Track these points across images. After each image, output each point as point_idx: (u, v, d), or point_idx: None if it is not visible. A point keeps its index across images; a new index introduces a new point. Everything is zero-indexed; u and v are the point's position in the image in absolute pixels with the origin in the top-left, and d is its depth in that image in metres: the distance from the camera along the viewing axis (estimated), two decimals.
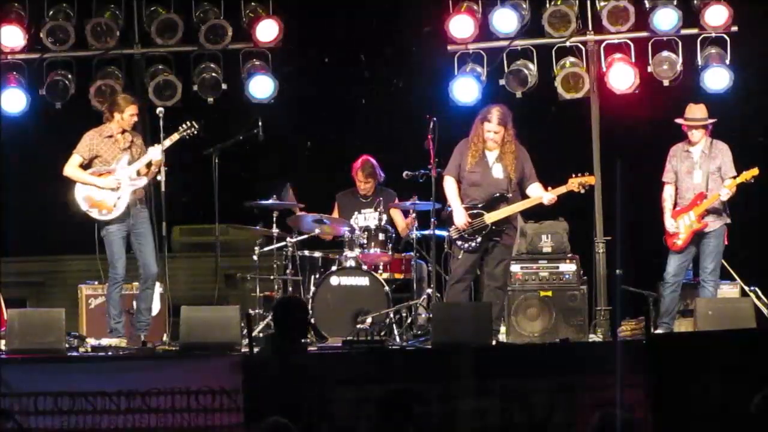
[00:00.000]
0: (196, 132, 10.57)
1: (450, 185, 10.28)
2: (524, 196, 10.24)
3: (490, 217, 10.11)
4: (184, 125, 10.54)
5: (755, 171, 10.38)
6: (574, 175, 10.19)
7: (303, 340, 8.29)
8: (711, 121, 10.56)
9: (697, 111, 10.60)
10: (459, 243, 10.17)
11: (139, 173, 10.42)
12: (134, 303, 10.66)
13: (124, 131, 10.41)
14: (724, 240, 10.56)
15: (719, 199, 10.41)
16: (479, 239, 10.12)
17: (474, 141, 10.20)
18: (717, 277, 10.58)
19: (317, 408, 7.51)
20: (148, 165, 10.39)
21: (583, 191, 10.24)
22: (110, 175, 10.38)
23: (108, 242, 10.37)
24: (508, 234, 10.21)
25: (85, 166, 10.43)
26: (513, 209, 10.18)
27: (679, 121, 10.62)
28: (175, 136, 10.46)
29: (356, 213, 11.48)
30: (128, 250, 10.48)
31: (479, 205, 10.16)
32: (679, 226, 10.52)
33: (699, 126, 10.55)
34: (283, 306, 8.05)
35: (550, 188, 10.21)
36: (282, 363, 7.59)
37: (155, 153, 10.36)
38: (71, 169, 10.42)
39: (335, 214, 11.63)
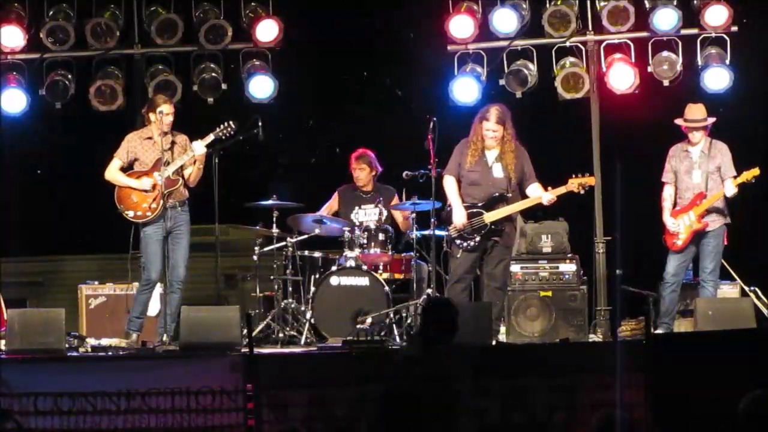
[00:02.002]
0: (233, 132, 10.56)
1: (450, 184, 10.28)
2: (524, 196, 10.23)
3: (489, 217, 10.11)
4: (221, 125, 10.53)
5: (756, 171, 10.38)
6: (574, 176, 10.19)
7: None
8: (711, 121, 10.56)
9: (696, 111, 10.60)
10: (458, 242, 10.17)
11: (183, 174, 10.39)
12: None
13: (165, 133, 10.38)
14: (723, 240, 10.56)
15: (723, 196, 10.41)
16: (478, 238, 10.12)
17: (473, 140, 10.20)
18: (717, 277, 10.58)
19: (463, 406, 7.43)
20: (193, 162, 10.39)
21: (582, 192, 10.24)
22: (146, 177, 10.39)
23: (144, 244, 10.38)
24: (507, 234, 10.21)
25: (126, 168, 10.44)
26: (512, 209, 10.18)
27: (679, 122, 10.62)
28: (210, 137, 10.46)
29: (356, 208, 11.49)
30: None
31: (478, 205, 10.16)
32: (679, 226, 10.52)
33: (699, 127, 10.56)
34: (434, 306, 7.90)
35: (549, 188, 10.21)
36: (432, 361, 7.49)
37: (198, 148, 10.37)
38: (109, 172, 10.45)
39: (334, 205, 11.64)
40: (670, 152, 10.71)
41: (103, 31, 11.70)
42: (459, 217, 10.14)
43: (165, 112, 10.31)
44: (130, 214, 10.39)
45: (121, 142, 10.50)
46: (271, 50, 11.80)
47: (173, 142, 10.43)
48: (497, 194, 10.15)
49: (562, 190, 10.18)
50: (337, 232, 11.36)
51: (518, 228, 10.72)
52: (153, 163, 10.40)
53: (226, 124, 10.54)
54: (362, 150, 11.67)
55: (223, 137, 10.54)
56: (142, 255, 10.40)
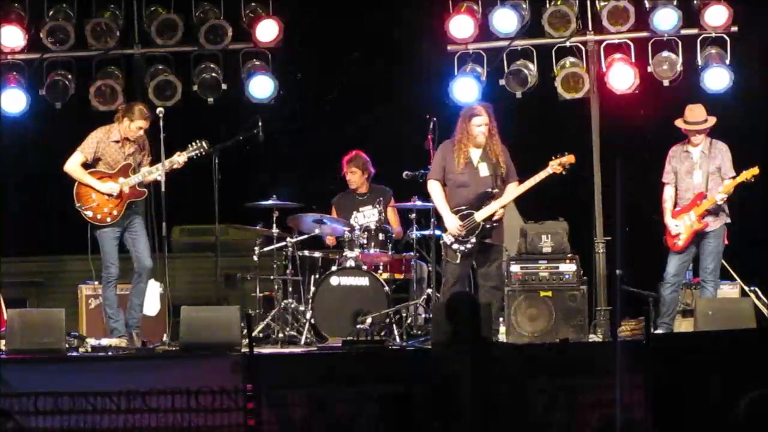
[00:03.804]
0: (204, 152, 10.55)
1: (436, 190, 10.25)
2: None
3: (480, 215, 10.11)
4: (192, 144, 10.51)
5: (755, 170, 10.39)
6: (553, 157, 10.20)
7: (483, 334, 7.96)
8: (712, 122, 10.55)
9: (697, 113, 10.58)
10: (455, 246, 10.14)
11: (145, 184, 10.39)
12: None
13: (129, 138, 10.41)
14: (723, 240, 10.56)
15: (715, 202, 10.42)
16: (474, 240, 10.11)
17: (462, 141, 10.17)
18: (717, 277, 10.59)
19: (512, 401, 7.34)
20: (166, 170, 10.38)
21: (564, 172, 10.21)
22: (111, 181, 10.37)
23: (101, 243, 10.37)
24: (498, 233, 10.21)
25: (88, 165, 10.43)
26: (500, 203, 10.14)
27: (680, 125, 10.60)
28: (184, 155, 10.44)
29: (355, 212, 11.51)
30: (123, 249, 10.48)
31: (464, 208, 10.14)
32: (679, 226, 10.53)
33: (701, 130, 10.56)
34: (456, 302, 7.82)
35: (554, 165, 10.15)
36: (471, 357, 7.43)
37: (180, 161, 10.37)
38: (72, 166, 10.40)
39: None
40: (670, 152, 10.71)
41: (103, 31, 11.69)
42: (451, 224, 10.11)
43: (141, 127, 10.33)
44: (89, 214, 10.36)
45: (86, 136, 10.44)
46: (271, 50, 11.80)
47: (138, 147, 10.44)
48: (483, 192, 10.14)
49: (543, 174, 10.18)
50: (338, 232, 11.37)
51: (504, 225, 10.69)
52: (119, 168, 10.37)
53: (198, 143, 10.52)
54: (355, 152, 11.66)
55: (195, 157, 10.54)
56: (101, 253, 10.36)
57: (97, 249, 10.40)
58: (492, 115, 10.19)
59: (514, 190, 10.18)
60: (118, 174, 10.38)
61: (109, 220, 10.34)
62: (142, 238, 10.38)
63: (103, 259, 10.37)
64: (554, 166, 10.16)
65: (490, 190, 10.13)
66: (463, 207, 10.12)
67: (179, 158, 10.38)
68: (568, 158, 10.18)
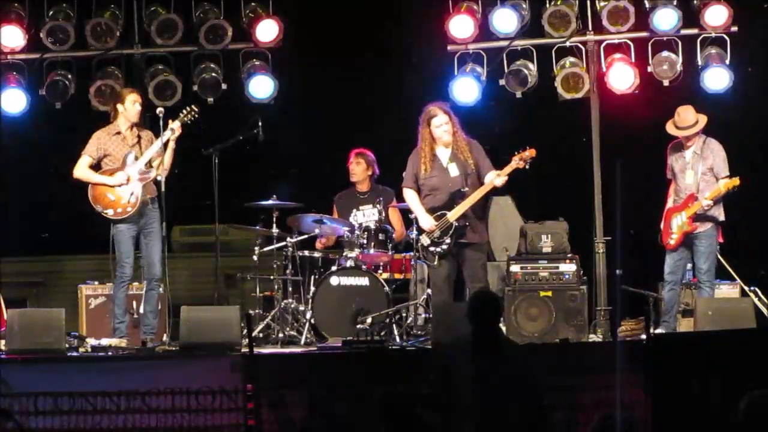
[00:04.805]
0: (197, 115, 10.58)
1: (411, 196, 10.37)
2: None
3: (452, 215, 10.14)
4: (184, 110, 10.55)
5: (736, 181, 10.40)
6: (516, 153, 10.22)
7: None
8: (703, 124, 10.53)
9: (685, 116, 10.54)
10: (432, 249, 10.19)
11: (151, 165, 10.43)
12: (134, 304, 10.67)
13: (132, 126, 10.42)
14: (716, 239, 10.54)
15: (702, 207, 10.42)
16: (449, 240, 10.14)
17: (422, 147, 10.28)
18: (712, 277, 10.58)
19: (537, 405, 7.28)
20: (162, 152, 10.37)
21: (527, 167, 10.24)
22: (120, 172, 10.39)
23: (117, 241, 10.38)
24: (476, 231, 10.23)
25: (96, 166, 10.45)
26: (470, 200, 10.17)
27: (672, 132, 10.59)
28: (177, 122, 10.46)
29: (354, 210, 11.52)
30: (137, 248, 10.50)
31: (440, 209, 10.18)
32: (672, 226, 10.54)
33: (692, 135, 10.56)
34: (479, 300, 7.61)
35: (515, 160, 10.16)
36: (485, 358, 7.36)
37: (175, 125, 10.38)
38: (81, 170, 10.44)
39: (333, 216, 11.65)
40: (668, 149, 10.72)
41: (103, 31, 11.69)
42: (426, 221, 10.18)
43: (135, 101, 10.38)
44: (110, 212, 10.38)
45: (88, 139, 10.49)
46: (271, 50, 11.80)
47: (139, 136, 10.48)
48: (455, 191, 10.17)
49: (508, 169, 10.22)
50: (338, 232, 11.38)
51: (488, 222, 10.71)
52: (124, 159, 10.40)
53: (189, 108, 10.57)
54: (364, 149, 11.71)
55: (189, 122, 10.55)
56: (116, 252, 10.39)
57: (113, 248, 10.41)
58: (450, 113, 10.26)
59: (482, 187, 10.19)
60: (124, 165, 10.40)
61: (129, 209, 10.34)
62: (156, 245, 10.40)
63: (118, 258, 10.38)
64: (516, 161, 10.20)
65: (461, 189, 10.17)
66: (438, 209, 10.16)
67: (174, 125, 10.39)
68: (530, 152, 10.24)
